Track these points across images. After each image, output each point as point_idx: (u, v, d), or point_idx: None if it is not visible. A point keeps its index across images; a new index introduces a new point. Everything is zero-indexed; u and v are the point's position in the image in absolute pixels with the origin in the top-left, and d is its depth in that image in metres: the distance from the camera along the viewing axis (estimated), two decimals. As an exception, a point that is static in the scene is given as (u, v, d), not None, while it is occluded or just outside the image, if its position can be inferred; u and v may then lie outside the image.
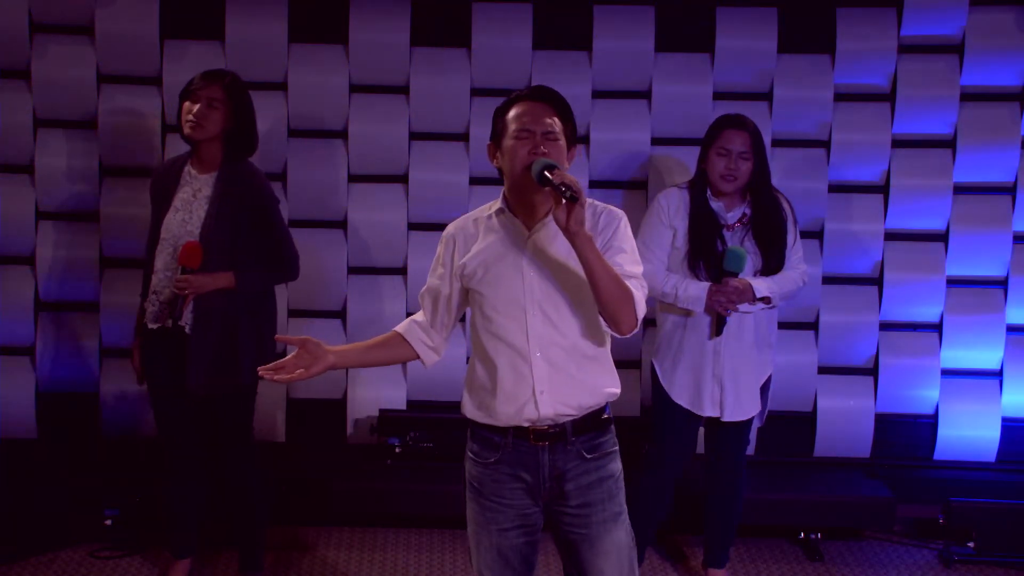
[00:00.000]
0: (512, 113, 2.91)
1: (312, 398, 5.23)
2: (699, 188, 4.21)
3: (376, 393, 5.16)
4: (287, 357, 2.88)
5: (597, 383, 2.92)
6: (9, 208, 5.10)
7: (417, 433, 4.98)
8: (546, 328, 2.86)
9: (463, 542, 4.85)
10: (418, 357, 3.02)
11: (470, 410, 2.96)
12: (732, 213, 4.18)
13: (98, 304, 5.12)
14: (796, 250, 4.26)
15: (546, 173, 2.74)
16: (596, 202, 2.92)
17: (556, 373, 2.86)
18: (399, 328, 3.04)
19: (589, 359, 2.90)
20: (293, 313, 5.20)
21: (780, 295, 4.18)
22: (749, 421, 4.31)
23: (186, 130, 4.08)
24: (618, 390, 2.97)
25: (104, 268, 5.13)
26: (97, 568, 4.57)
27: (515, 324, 2.86)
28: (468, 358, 3.03)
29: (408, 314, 5.11)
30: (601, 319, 2.86)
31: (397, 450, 4.96)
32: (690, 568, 4.70)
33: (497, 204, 2.95)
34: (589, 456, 2.91)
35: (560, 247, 2.86)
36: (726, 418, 4.22)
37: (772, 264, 4.18)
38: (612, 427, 2.99)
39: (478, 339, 2.93)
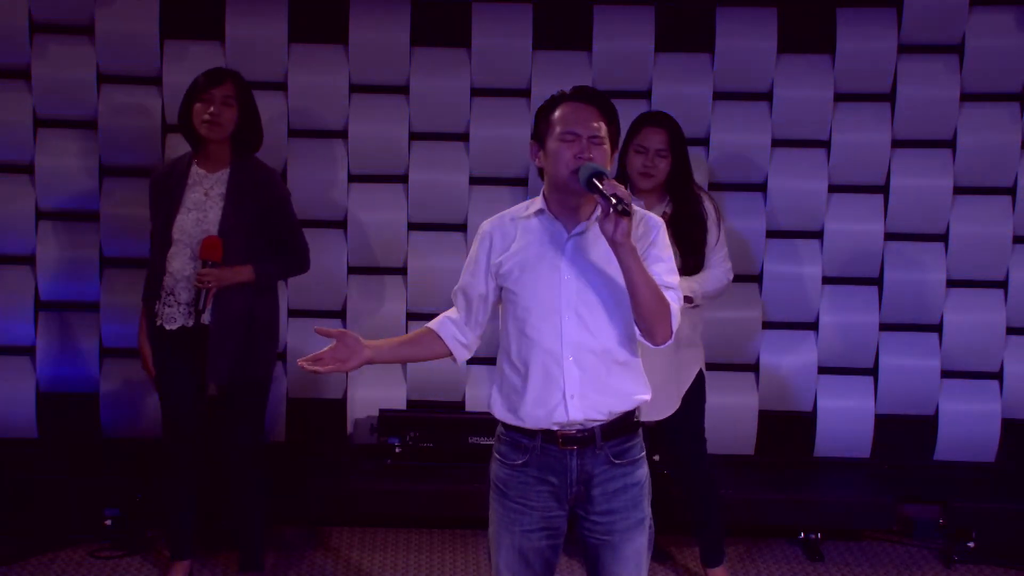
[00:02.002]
0: (558, 114, 2.87)
1: (312, 398, 5.23)
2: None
3: (376, 393, 5.16)
4: (324, 350, 2.85)
5: (627, 389, 2.90)
6: (9, 208, 5.10)
7: (417, 433, 4.97)
8: (580, 332, 2.83)
9: (463, 542, 4.85)
10: (451, 354, 2.99)
11: (499, 411, 2.94)
12: (651, 211, 4.17)
13: (98, 304, 5.12)
14: (718, 249, 4.24)
15: (595, 181, 2.71)
16: (636, 208, 2.87)
17: (587, 378, 2.85)
18: (432, 324, 3.00)
19: (620, 365, 2.88)
20: (293, 313, 5.20)
21: (702, 294, 4.15)
22: (698, 415, 4.28)
23: (203, 130, 4.09)
24: (648, 396, 2.96)
25: (104, 268, 5.13)
26: (97, 568, 4.57)
27: (549, 327, 2.84)
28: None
29: (408, 314, 5.16)
30: (636, 328, 2.86)
31: (397, 450, 4.96)
32: (689, 568, 4.70)
33: (537, 204, 2.92)
34: (617, 462, 2.90)
35: (599, 252, 2.85)
36: (643, 417, 4.20)
37: (691, 263, 4.16)
38: (640, 431, 2.98)
39: (509, 339, 2.91)
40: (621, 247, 2.71)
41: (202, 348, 4.14)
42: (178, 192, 4.14)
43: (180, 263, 4.12)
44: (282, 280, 4.35)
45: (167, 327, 4.15)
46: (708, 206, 4.24)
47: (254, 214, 4.15)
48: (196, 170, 4.17)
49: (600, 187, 2.70)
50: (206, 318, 4.12)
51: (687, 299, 4.09)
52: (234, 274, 4.09)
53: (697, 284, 4.14)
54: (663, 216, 4.17)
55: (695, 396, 4.28)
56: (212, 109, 4.08)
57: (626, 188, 4.16)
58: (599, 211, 2.85)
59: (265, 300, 4.24)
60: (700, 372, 4.29)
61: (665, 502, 4.58)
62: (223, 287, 4.09)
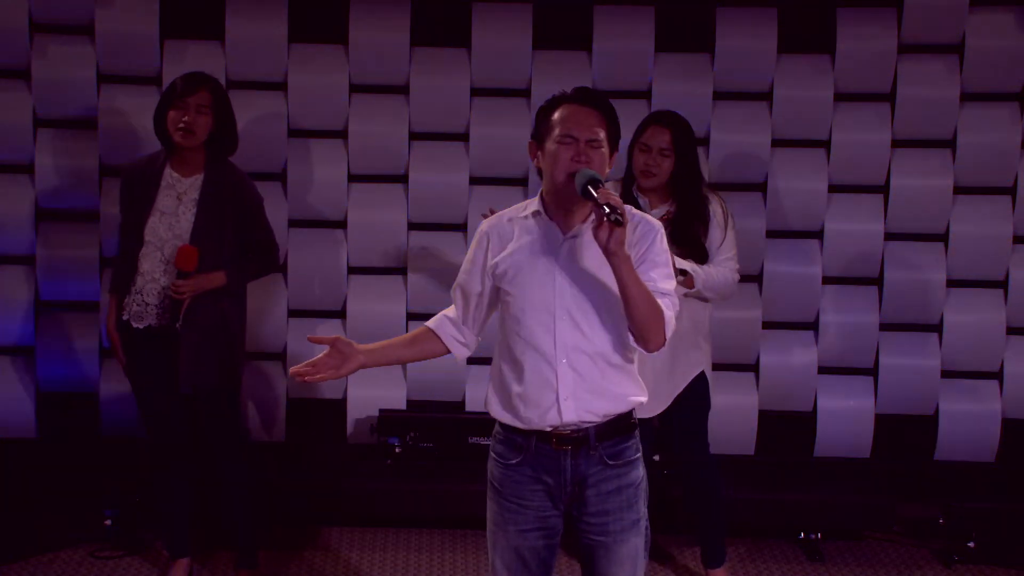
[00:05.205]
0: (557, 115, 2.85)
1: (312, 398, 5.23)
2: (628, 183, 4.26)
3: (376, 393, 5.16)
4: (318, 356, 2.85)
5: (622, 391, 2.90)
6: (9, 208, 5.10)
7: (417, 433, 4.97)
8: (574, 334, 2.83)
9: (463, 542, 4.85)
10: (448, 352, 3.00)
11: (496, 410, 2.94)
12: (656, 210, 4.19)
13: (98, 304, 5.12)
14: (724, 251, 4.23)
15: (590, 189, 2.70)
16: (633, 210, 2.87)
17: (581, 380, 2.84)
18: (430, 324, 3.00)
19: (615, 368, 2.88)
20: (293, 313, 5.20)
21: (704, 283, 4.13)
22: (698, 416, 4.28)
23: (176, 138, 4.07)
24: (645, 398, 2.95)
25: (104, 268, 5.12)
26: (97, 568, 4.57)
27: (543, 328, 2.83)
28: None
29: (408, 314, 5.16)
30: (629, 334, 2.85)
31: (397, 450, 4.96)
32: (689, 568, 4.70)
33: (534, 204, 2.91)
34: (611, 463, 2.90)
35: (594, 255, 2.83)
36: (637, 415, 4.21)
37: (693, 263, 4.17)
38: (636, 432, 2.97)
39: (505, 340, 2.91)
40: (615, 256, 2.70)
41: (172, 349, 4.12)
42: (151, 193, 4.11)
43: (151, 265, 4.10)
44: (255, 280, 4.35)
45: (135, 324, 4.14)
46: (715, 208, 4.23)
47: (228, 220, 4.13)
48: (170, 172, 4.13)
49: (595, 195, 2.68)
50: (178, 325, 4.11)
51: (682, 274, 4.06)
52: (209, 281, 4.08)
53: (701, 271, 4.14)
54: (666, 216, 4.18)
55: (694, 397, 4.27)
56: (186, 117, 4.05)
57: (632, 185, 4.20)
58: (594, 217, 2.85)
59: (235, 304, 4.22)
60: (701, 374, 4.28)
61: (666, 503, 4.59)
62: (197, 294, 4.07)
